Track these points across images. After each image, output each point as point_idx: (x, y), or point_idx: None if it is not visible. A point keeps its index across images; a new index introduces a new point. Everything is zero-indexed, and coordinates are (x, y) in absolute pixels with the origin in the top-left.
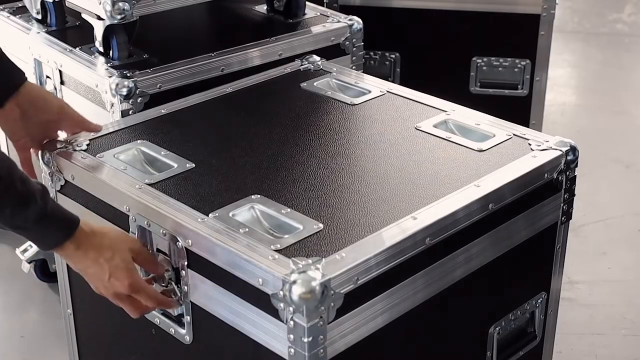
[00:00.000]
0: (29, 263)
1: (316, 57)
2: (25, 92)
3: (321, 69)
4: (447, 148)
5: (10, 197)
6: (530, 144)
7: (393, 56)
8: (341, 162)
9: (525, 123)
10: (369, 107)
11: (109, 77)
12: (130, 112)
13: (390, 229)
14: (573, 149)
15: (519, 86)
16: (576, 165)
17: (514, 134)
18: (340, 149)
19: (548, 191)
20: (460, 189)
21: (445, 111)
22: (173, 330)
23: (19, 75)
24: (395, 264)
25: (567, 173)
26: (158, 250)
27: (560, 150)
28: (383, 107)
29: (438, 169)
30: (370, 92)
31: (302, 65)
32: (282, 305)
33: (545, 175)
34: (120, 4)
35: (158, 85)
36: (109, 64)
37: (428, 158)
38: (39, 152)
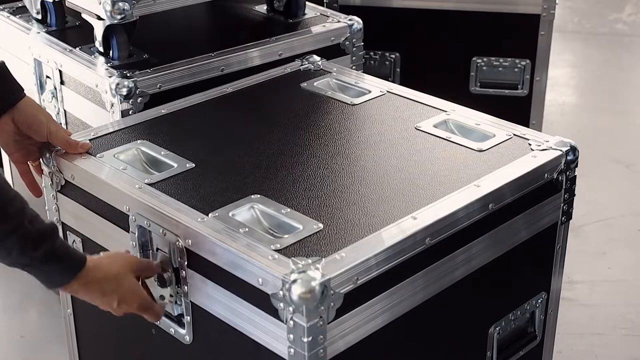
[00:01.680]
0: None
1: (316, 57)
2: (21, 109)
3: (321, 69)
4: (447, 148)
5: (19, 237)
6: (530, 144)
7: (393, 56)
8: (341, 162)
9: (525, 123)
10: (369, 107)
11: (109, 77)
12: (130, 112)
13: (390, 229)
14: (573, 149)
15: (519, 86)
16: (576, 165)
17: (514, 134)
18: (340, 149)
19: (548, 191)
20: (460, 189)
21: (445, 111)
22: (173, 330)
23: (18, 90)
24: (395, 264)
25: (567, 173)
26: (158, 250)
27: (560, 150)
28: (383, 107)
29: (438, 169)
30: (370, 92)
31: (302, 65)
32: (281, 305)
33: (545, 175)
34: (120, 4)
35: (158, 85)
36: (109, 64)
37: (428, 158)
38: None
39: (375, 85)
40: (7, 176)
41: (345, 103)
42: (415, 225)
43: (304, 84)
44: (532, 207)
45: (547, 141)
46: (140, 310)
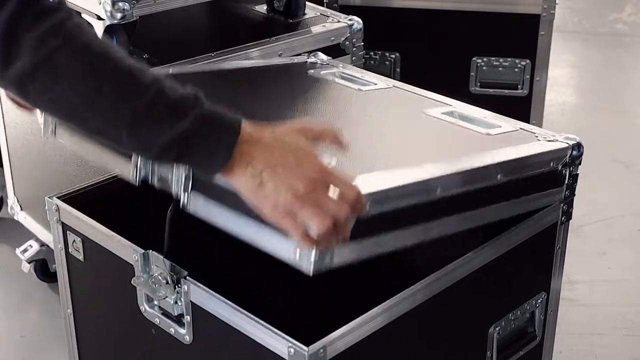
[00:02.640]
0: (29, 263)
1: (322, 55)
2: None
3: (328, 64)
4: (455, 130)
5: (165, 105)
6: (537, 136)
7: (393, 56)
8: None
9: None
10: (377, 94)
11: None
12: None
13: None
14: (579, 145)
15: (519, 86)
16: (580, 163)
17: (520, 128)
18: (348, 133)
19: (550, 182)
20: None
21: (451, 105)
22: (173, 330)
23: None
24: None
25: (571, 168)
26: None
27: (567, 143)
28: (390, 96)
29: (446, 149)
30: (376, 84)
31: (308, 59)
32: None
33: (551, 163)
34: (120, 4)
35: None
36: None
37: (436, 139)
38: None
39: (381, 80)
40: (7, 175)
41: (352, 89)
42: None
43: (311, 71)
44: (533, 198)
45: (554, 136)
46: (321, 171)
